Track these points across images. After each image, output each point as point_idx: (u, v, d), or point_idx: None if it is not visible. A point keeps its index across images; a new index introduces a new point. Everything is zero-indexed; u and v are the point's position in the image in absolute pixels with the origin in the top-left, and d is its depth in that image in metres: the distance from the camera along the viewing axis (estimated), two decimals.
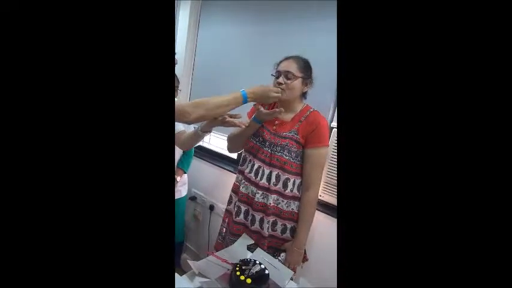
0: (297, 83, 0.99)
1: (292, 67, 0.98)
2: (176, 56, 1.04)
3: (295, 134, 1.00)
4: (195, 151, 1.65)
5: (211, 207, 1.74)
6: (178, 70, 1.64)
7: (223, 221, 1.18)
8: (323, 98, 1.26)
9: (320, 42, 1.32)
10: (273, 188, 1.01)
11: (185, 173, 1.57)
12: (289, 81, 0.98)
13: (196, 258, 0.86)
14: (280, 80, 0.98)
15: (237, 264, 0.79)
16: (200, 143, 1.87)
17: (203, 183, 1.79)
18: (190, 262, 0.83)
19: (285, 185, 1.01)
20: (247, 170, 1.06)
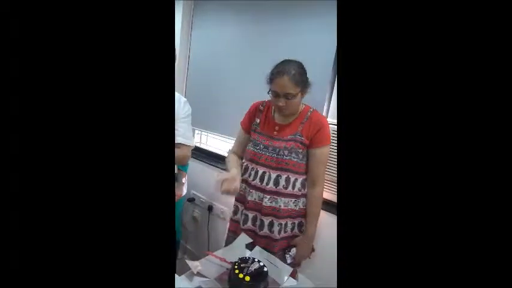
0: (298, 97, 0.98)
1: (290, 86, 0.94)
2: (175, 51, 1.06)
3: (299, 136, 1.01)
4: (192, 152, 1.65)
5: (210, 208, 1.74)
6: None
7: (230, 230, 1.17)
8: (316, 95, 1.27)
9: (313, 41, 1.32)
10: (283, 191, 1.02)
11: (186, 172, 1.58)
12: (289, 101, 0.97)
13: (196, 259, 0.86)
14: (281, 103, 0.97)
15: (235, 262, 0.79)
16: (197, 144, 1.87)
17: (201, 184, 1.79)
18: (188, 262, 0.82)
19: (293, 186, 1.03)
20: (250, 178, 1.07)
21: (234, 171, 1.01)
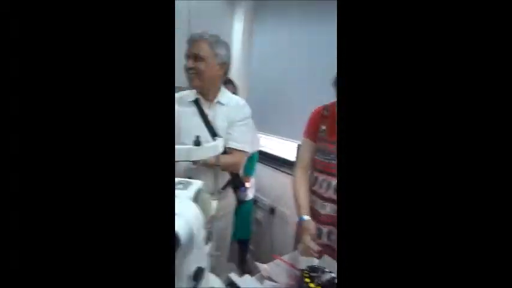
0: None
1: None
2: (233, 60, 1.07)
3: None
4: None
5: (272, 211, 1.76)
6: (235, 76, 1.71)
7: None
8: None
9: None
10: None
11: (250, 176, 1.61)
12: None
13: (259, 260, 0.88)
14: None
15: (304, 270, 0.77)
16: (260, 147, 1.91)
17: (264, 187, 1.82)
18: (258, 264, 0.85)
19: None
20: (322, 190, 1.01)
21: (310, 239, 0.89)
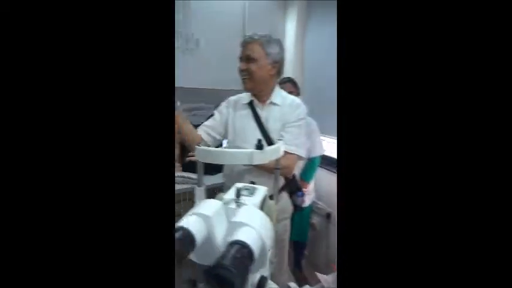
0: None
1: None
2: (287, 58, 1.02)
3: None
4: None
5: (328, 216, 1.68)
6: (289, 74, 1.68)
7: None
8: None
9: None
10: None
11: (308, 183, 1.56)
12: None
13: (315, 268, 0.83)
14: None
15: None
16: (324, 152, 1.82)
17: (319, 189, 1.74)
18: (319, 275, 0.80)
19: None
20: None
21: None
